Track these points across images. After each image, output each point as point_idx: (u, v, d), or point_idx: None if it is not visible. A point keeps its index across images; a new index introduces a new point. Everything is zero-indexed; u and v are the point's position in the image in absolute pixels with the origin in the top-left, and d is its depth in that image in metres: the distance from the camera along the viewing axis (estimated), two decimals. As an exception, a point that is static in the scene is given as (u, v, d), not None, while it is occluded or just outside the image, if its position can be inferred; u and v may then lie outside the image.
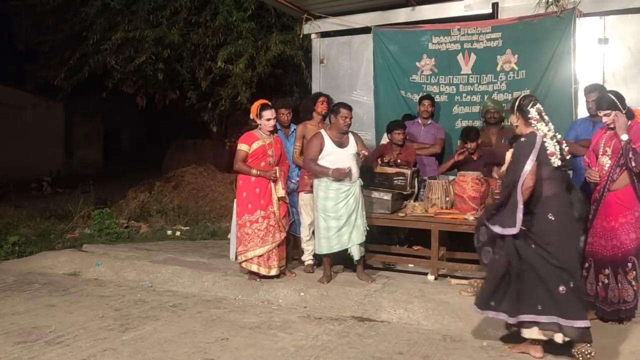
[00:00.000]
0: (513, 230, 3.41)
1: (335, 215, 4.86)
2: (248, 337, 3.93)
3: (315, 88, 7.05)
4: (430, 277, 5.11)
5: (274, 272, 5.07)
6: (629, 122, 3.87)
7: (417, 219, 5.20)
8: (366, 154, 5.01)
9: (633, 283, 3.85)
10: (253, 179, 5.02)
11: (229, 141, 11.69)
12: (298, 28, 7.23)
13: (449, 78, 6.25)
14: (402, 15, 6.57)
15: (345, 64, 6.96)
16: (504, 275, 3.50)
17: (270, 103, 5.24)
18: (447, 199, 5.28)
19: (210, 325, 4.19)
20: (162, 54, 9.22)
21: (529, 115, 3.53)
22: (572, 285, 3.37)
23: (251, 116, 5.15)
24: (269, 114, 5.04)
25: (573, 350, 3.39)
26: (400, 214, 5.28)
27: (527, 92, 5.85)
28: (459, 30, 6.17)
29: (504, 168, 3.77)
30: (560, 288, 3.35)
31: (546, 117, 3.56)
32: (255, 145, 5.03)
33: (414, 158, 5.69)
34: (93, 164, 17.82)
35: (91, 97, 12.60)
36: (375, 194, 5.29)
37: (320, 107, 5.47)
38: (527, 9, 5.85)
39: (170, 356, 3.60)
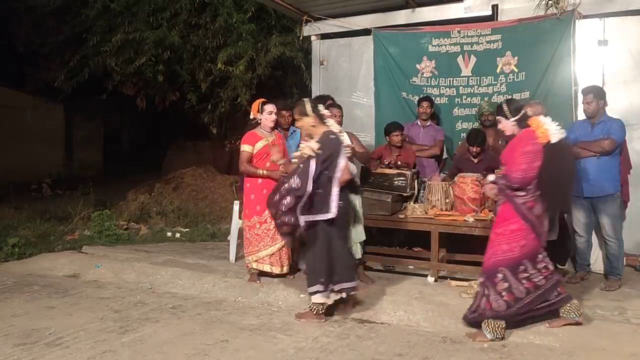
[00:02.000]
0: (330, 215, 3.99)
1: None
2: (248, 339, 3.93)
3: (315, 90, 7.05)
4: (430, 279, 5.11)
5: (285, 269, 5.09)
6: (520, 131, 3.84)
7: (417, 221, 5.20)
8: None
9: (503, 294, 3.79)
10: (260, 180, 4.99)
11: (228, 143, 11.70)
12: (298, 30, 7.24)
13: (449, 80, 6.26)
14: (402, 17, 6.58)
15: (345, 65, 6.97)
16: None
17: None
18: (447, 200, 5.27)
19: (210, 327, 4.18)
20: (162, 56, 9.24)
21: (322, 113, 4.08)
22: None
23: (252, 115, 5.15)
24: (270, 107, 5.04)
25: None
26: (400, 216, 5.28)
27: (527, 94, 5.88)
28: (458, 32, 6.18)
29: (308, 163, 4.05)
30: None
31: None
32: (259, 145, 5.00)
33: (413, 159, 5.69)
34: (93, 166, 17.81)
35: (91, 99, 12.63)
36: (375, 196, 5.29)
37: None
38: (527, 10, 5.86)
39: (169, 358, 3.59)
